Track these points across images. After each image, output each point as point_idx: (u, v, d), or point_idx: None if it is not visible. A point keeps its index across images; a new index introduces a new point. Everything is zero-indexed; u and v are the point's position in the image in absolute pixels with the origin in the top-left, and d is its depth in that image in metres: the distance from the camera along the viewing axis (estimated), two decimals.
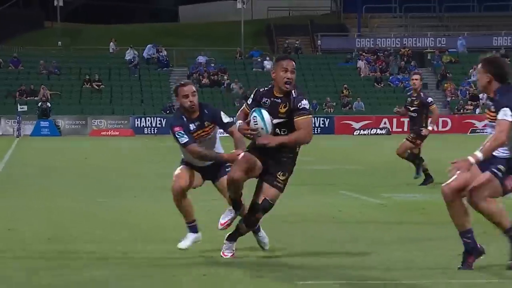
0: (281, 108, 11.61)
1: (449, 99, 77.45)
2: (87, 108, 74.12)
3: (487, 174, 10.70)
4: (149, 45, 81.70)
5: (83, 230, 14.70)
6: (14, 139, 60.86)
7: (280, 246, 12.38)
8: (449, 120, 72.67)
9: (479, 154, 10.42)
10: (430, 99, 23.49)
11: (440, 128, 71.25)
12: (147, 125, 71.98)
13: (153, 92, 77.88)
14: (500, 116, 10.61)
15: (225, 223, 11.82)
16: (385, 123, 71.65)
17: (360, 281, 9.94)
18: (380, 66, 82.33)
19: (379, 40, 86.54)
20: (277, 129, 11.60)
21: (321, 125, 72.53)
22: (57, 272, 10.79)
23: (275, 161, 11.59)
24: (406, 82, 78.82)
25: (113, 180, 25.77)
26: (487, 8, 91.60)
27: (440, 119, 72.75)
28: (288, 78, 11.57)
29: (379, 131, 70.76)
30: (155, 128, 71.58)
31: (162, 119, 71.84)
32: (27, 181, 25.25)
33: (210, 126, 12.00)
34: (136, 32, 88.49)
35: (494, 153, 10.67)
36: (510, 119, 10.52)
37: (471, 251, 10.75)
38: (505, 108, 10.60)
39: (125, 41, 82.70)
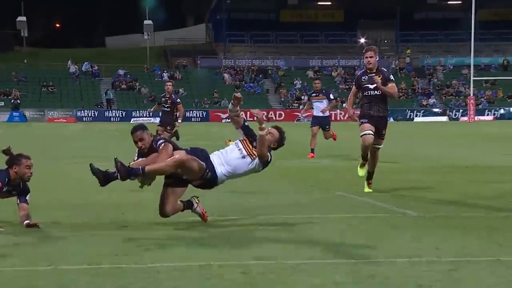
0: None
1: (283, 99, 77.90)
2: (45, 103, 73.34)
3: None
4: (85, 62, 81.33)
5: (44, 184, 14.18)
6: None
7: None
8: (283, 113, 73.12)
9: None
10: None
11: (277, 118, 71.61)
12: (85, 115, 71.75)
13: (88, 93, 77.41)
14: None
15: None
16: (242, 114, 71.66)
17: None
18: (238, 77, 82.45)
19: (237, 61, 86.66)
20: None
21: (200, 116, 72.47)
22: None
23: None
24: (256, 88, 79.12)
25: (58, 149, 25.19)
26: (305, 41, 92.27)
27: (277, 112, 73.28)
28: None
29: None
30: (90, 117, 71.45)
31: (94, 111, 71.97)
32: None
33: None
34: (77, 53, 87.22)
35: None
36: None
37: None
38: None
39: (69, 59, 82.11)
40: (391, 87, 12.13)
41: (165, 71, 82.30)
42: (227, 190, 11.43)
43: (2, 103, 71.23)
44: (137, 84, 78.84)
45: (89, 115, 72.05)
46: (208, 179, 8.86)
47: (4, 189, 8.87)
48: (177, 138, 21.98)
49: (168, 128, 21.42)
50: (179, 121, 21.71)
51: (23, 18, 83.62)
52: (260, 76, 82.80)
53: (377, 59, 12.25)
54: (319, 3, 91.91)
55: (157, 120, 24.25)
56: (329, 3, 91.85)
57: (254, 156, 8.98)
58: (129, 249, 7.49)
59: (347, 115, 13.58)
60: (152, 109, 22.01)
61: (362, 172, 12.53)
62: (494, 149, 24.65)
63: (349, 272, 6.46)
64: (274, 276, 6.32)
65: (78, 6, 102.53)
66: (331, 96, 22.69)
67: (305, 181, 14.53)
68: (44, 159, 20.96)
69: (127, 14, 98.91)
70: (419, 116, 74.03)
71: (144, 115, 71.41)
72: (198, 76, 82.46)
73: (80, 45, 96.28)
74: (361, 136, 12.27)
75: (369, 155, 12.46)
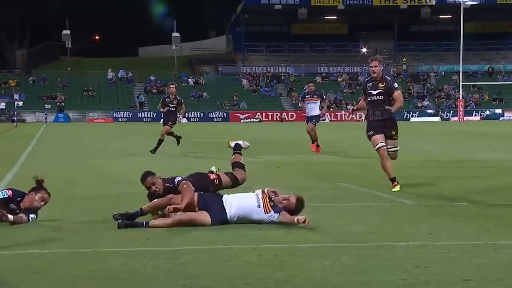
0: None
1: (294, 101, 77.77)
2: (86, 106, 73.51)
3: None
4: (121, 70, 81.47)
5: (84, 177, 14.21)
6: (43, 124, 60.04)
7: None
8: (294, 114, 72.90)
9: None
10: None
11: (289, 118, 71.46)
12: (120, 116, 71.73)
13: (123, 97, 77.48)
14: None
15: None
16: (258, 115, 71.85)
17: None
18: (255, 83, 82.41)
19: (254, 68, 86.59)
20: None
21: (221, 116, 72.47)
22: (66, 200, 10.32)
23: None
24: (271, 92, 79.03)
25: (101, 147, 25.24)
26: (314, 50, 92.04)
27: (289, 113, 73.15)
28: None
29: (254, 120, 70.86)
30: (125, 118, 71.51)
31: (129, 112, 72.08)
32: (51, 148, 24.60)
33: None
34: (113, 62, 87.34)
35: None
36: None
37: None
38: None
39: (107, 67, 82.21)
40: (398, 99, 11.52)
41: (191, 77, 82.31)
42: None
43: (49, 106, 71.57)
44: (166, 88, 78.89)
45: (124, 116, 72.19)
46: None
47: (11, 205, 8.11)
48: (178, 143, 21.89)
49: (170, 123, 21.54)
50: (181, 117, 22.19)
51: (67, 32, 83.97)
52: (274, 81, 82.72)
53: (381, 68, 11.71)
54: (326, 17, 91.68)
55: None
56: (335, 17, 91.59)
57: (268, 210, 7.98)
58: (158, 234, 7.47)
59: (350, 113, 12.85)
60: (163, 109, 21.61)
61: (397, 187, 11.29)
62: (481, 146, 24.55)
63: (354, 254, 6.43)
64: (287, 258, 6.28)
65: (115, 21, 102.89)
66: (324, 97, 22.63)
67: (312, 173, 14.48)
68: (84, 154, 21.03)
69: (157, 28, 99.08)
70: (415, 117, 73.83)
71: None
72: (219, 81, 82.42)
73: (116, 54, 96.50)
74: (377, 149, 11.46)
75: (389, 162, 11.46)
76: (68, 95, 75.22)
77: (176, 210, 7.85)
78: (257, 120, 70.66)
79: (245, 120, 70.67)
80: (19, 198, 8.14)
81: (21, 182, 12.51)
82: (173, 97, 21.76)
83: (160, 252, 6.51)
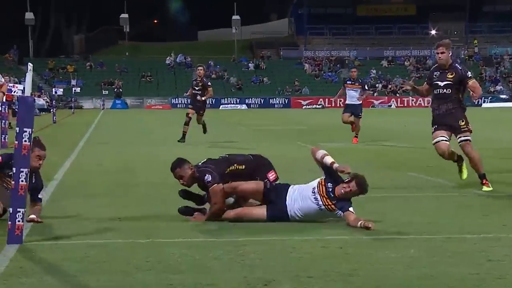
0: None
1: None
2: (143, 92, 74.26)
3: None
4: (180, 54, 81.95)
5: (142, 165, 14.39)
6: (100, 110, 60.98)
7: None
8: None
9: None
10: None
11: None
12: (178, 102, 72.03)
13: (182, 82, 77.87)
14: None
15: None
16: (321, 101, 71.50)
17: None
18: (317, 67, 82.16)
19: (317, 52, 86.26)
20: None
21: (283, 103, 72.39)
22: (124, 189, 10.48)
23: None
24: (334, 77, 78.64)
25: (159, 134, 25.52)
26: (379, 33, 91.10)
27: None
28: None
29: (317, 106, 70.60)
30: (183, 104, 71.74)
31: (187, 99, 71.71)
32: (109, 135, 24.98)
33: None
34: (172, 46, 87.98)
35: None
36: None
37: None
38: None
39: (165, 52, 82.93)
40: (475, 88, 10.35)
41: (251, 62, 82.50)
42: (305, 168, 11.32)
43: (107, 92, 72.63)
44: (225, 73, 79.25)
45: (183, 102, 72.58)
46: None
47: (6, 171, 7.40)
48: (204, 131, 21.05)
49: (201, 112, 20.70)
50: (203, 98, 20.59)
51: (126, 15, 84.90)
52: (338, 65, 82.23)
53: (450, 54, 10.42)
54: None
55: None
56: None
57: (331, 207, 7.54)
58: (219, 225, 7.51)
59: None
60: (188, 93, 20.93)
61: (463, 174, 10.55)
62: None
63: (423, 247, 6.36)
64: (351, 250, 6.25)
65: (174, 4, 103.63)
66: (366, 87, 21.92)
67: (378, 162, 14.37)
68: (142, 142, 21.29)
69: (217, 11, 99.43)
70: (487, 102, 72.45)
71: (232, 102, 71.90)
72: (280, 66, 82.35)
73: (174, 39, 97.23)
74: (434, 144, 10.51)
75: (463, 156, 10.50)
76: (126, 81, 76.21)
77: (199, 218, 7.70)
78: (320, 106, 70.36)
79: (307, 107, 70.46)
80: (11, 161, 6.91)
81: (79, 170, 12.73)
82: (200, 79, 20.71)
83: (219, 243, 6.55)
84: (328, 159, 7.59)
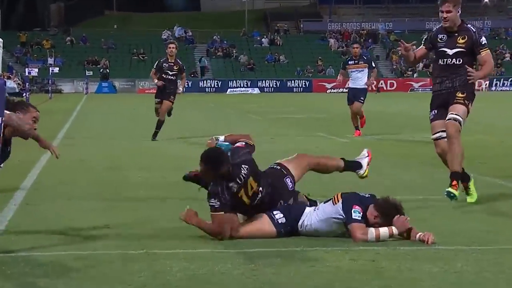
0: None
1: (394, 67, 77.14)
2: (135, 73, 74.17)
3: None
4: (178, 28, 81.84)
5: (133, 162, 14.44)
6: (83, 95, 61.23)
7: None
8: (395, 82, 72.37)
9: None
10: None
11: (388, 87, 70.96)
12: None
13: (182, 61, 77.47)
14: None
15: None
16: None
17: None
18: (345, 43, 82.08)
19: (344, 24, 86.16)
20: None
21: (303, 86, 72.37)
22: (112, 190, 10.53)
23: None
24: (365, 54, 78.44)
25: (152, 124, 25.50)
26: (420, 1, 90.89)
27: (388, 81, 72.58)
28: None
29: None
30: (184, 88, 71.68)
31: (188, 81, 71.78)
32: (93, 126, 25.07)
33: None
34: (169, 18, 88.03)
35: None
36: None
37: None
38: None
39: (162, 25, 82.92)
40: (487, 61, 9.30)
41: (265, 37, 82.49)
42: None
43: (91, 73, 71.97)
44: (234, 51, 79.22)
45: None
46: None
47: None
48: (169, 115, 20.02)
49: (172, 98, 19.52)
50: (181, 89, 19.87)
51: None
52: (370, 41, 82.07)
53: (458, 13, 9.42)
54: None
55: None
56: None
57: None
58: None
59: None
60: (156, 80, 19.68)
61: (471, 198, 9.41)
62: None
63: (472, 260, 6.38)
64: (386, 263, 6.27)
65: None
66: (373, 64, 20.87)
67: (417, 157, 14.37)
68: (133, 134, 21.35)
69: None
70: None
71: (242, 85, 71.83)
72: (300, 41, 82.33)
73: (173, 9, 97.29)
74: (433, 139, 9.57)
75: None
76: (114, 59, 76.27)
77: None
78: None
79: (332, 91, 70.40)
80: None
81: (58, 167, 12.81)
82: (173, 61, 19.64)
83: (227, 255, 6.58)
84: (385, 233, 7.13)
